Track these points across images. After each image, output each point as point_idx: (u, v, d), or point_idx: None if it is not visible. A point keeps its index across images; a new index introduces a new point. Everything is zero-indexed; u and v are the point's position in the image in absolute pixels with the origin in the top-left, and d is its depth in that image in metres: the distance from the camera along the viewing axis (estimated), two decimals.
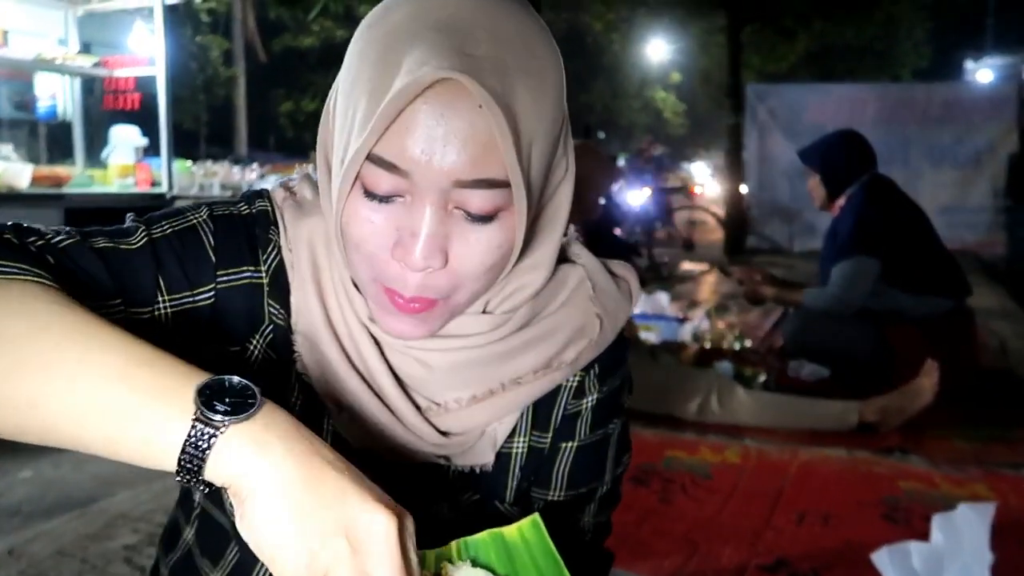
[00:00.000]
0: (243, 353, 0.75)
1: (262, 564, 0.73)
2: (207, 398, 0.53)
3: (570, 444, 0.84)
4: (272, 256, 0.75)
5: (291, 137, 22.95)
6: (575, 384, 0.82)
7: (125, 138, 4.74)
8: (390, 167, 0.63)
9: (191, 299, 0.71)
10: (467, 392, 0.75)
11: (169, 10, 4.68)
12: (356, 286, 0.73)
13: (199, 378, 0.55)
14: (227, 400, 0.53)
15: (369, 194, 0.65)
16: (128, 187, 4.62)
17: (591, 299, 0.79)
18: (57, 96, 4.93)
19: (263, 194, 0.79)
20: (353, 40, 0.69)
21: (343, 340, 0.73)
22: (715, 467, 2.45)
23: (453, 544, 0.66)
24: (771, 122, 9.63)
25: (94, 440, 0.54)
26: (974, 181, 9.28)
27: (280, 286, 0.75)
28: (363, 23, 0.69)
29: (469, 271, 0.67)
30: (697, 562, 1.85)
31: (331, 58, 19.30)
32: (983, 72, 19.46)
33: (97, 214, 4.25)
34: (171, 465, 0.53)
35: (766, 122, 9.66)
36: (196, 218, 0.74)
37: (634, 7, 14.64)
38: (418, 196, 0.64)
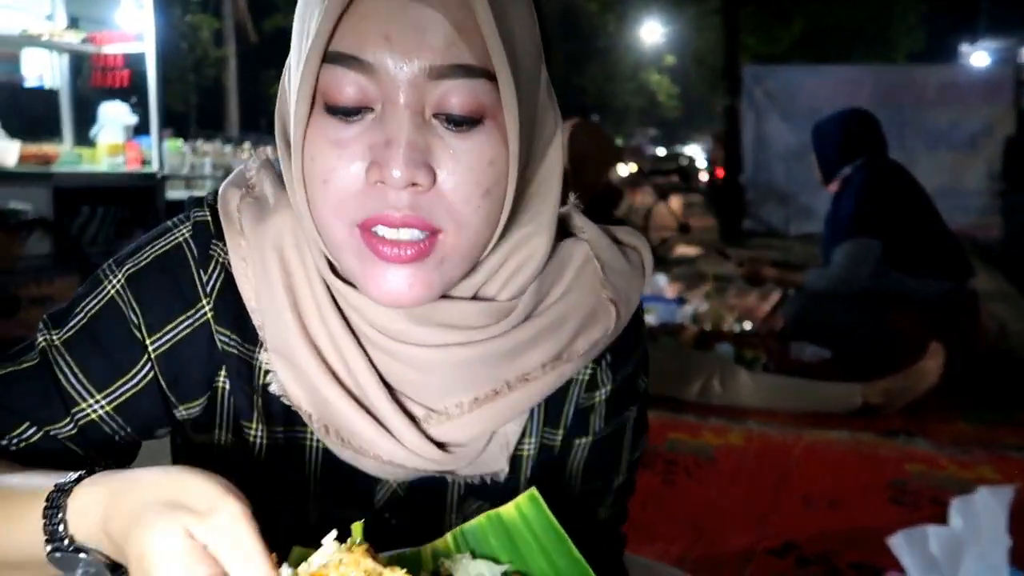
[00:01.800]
0: (214, 398, 0.69)
1: None
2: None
3: (584, 440, 0.76)
4: (215, 275, 0.67)
5: None
6: (587, 377, 0.74)
7: (114, 116, 4.66)
8: (351, 62, 0.55)
9: (132, 383, 0.66)
10: (468, 395, 0.65)
11: None
12: (336, 272, 0.64)
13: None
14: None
15: (332, 109, 0.57)
16: (118, 166, 4.54)
17: (601, 282, 0.70)
18: (44, 75, 4.85)
19: (203, 202, 0.70)
20: None
21: (323, 350, 0.64)
22: (718, 449, 2.41)
23: (449, 536, 0.61)
24: (768, 104, 9.57)
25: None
26: (970, 164, 9.27)
27: (230, 306, 0.67)
28: None
29: (462, 192, 0.58)
30: (703, 546, 1.82)
31: None
32: (978, 55, 19.41)
33: (86, 193, 4.20)
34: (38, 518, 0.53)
35: (763, 104, 9.60)
36: (112, 287, 0.67)
37: None
38: (389, 100, 0.56)
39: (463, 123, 0.57)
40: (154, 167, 4.60)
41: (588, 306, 0.70)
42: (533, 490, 0.62)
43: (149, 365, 0.66)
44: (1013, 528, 1.49)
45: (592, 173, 3.25)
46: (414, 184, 0.56)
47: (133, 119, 4.73)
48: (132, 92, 4.73)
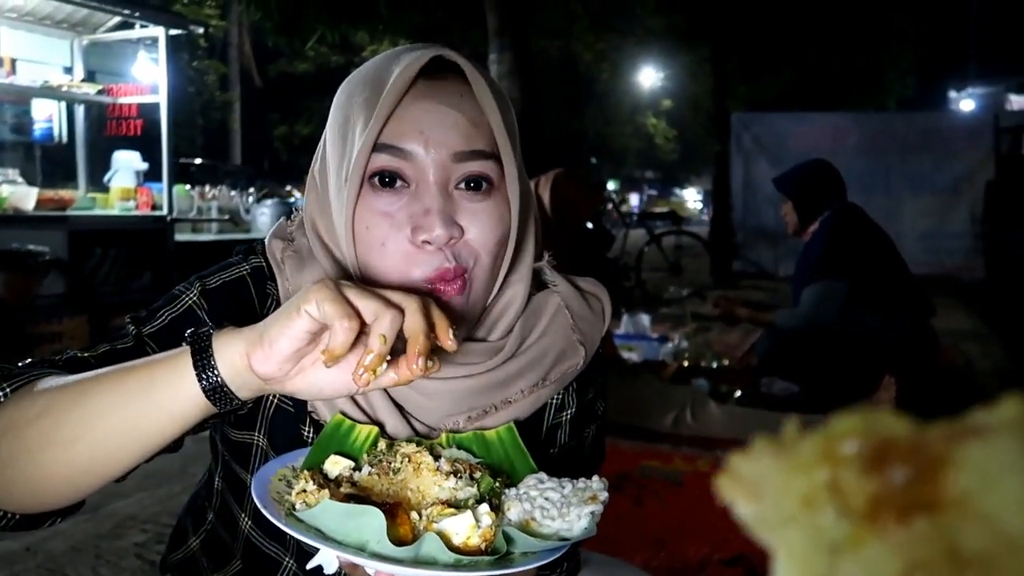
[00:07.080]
0: (259, 405, 0.84)
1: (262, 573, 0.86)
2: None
3: (552, 451, 0.93)
4: (271, 309, 0.83)
5: (285, 160, 23.17)
6: (558, 402, 0.92)
7: (127, 162, 4.91)
8: (394, 151, 0.75)
9: None
10: (463, 415, 0.82)
11: (171, 39, 4.86)
12: None
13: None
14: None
15: (378, 184, 0.75)
16: (129, 210, 4.78)
17: (571, 327, 0.88)
18: (53, 118, 5.09)
19: (256, 249, 0.88)
20: (335, 100, 0.80)
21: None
22: (687, 475, 2.60)
23: (443, 435, 0.81)
24: (756, 150, 9.86)
25: (139, 423, 0.66)
26: (953, 207, 9.49)
27: None
28: (341, 87, 0.81)
29: (482, 239, 0.77)
30: (663, 558, 2.00)
31: (326, 83, 19.50)
32: (966, 101, 19.87)
33: (99, 235, 4.43)
34: (194, 383, 0.65)
35: (751, 150, 9.89)
36: (190, 299, 0.82)
37: (623, 36, 14.94)
38: (423, 178, 0.75)
39: (479, 191, 0.77)
40: (164, 211, 4.84)
41: (561, 345, 0.87)
42: (511, 424, 0.82)
43: None
44: None
45: (576, 219, 3.48)
46: (451, 239, 0.75)
47: (144, 166, 4.99)
48: (143, 139, 4.98)
